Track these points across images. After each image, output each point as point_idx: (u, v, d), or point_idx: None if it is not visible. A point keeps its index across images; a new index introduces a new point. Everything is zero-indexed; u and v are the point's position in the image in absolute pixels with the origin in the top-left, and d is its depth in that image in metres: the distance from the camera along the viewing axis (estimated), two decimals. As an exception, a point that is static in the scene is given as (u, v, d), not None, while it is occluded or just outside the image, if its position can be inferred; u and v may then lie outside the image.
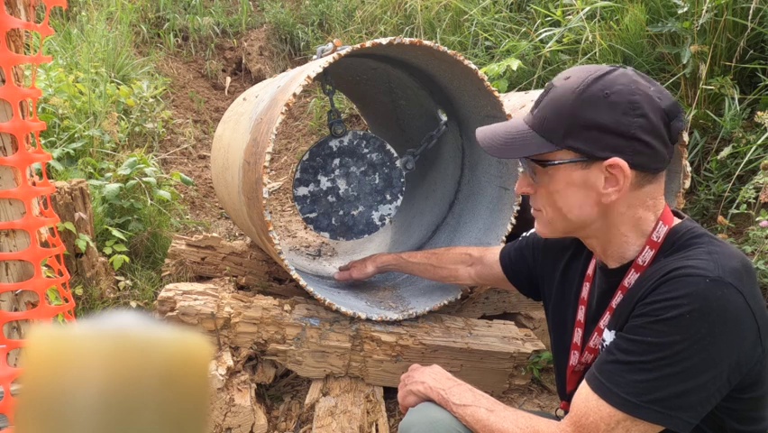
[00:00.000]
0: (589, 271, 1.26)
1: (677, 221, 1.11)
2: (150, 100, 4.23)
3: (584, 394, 1.05)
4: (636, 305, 1.03)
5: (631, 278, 1.10)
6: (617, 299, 1.12)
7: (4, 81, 1.22)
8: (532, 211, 1.19)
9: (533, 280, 1.51)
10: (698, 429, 1.02)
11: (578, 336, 1.24)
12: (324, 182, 2.18)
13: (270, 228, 1.75)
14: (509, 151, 1.12)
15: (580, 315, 1.25)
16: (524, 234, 1.59)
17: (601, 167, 1.03)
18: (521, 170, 2.01)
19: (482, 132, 1.19)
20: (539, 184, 1.12)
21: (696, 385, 0.95)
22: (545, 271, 1.43)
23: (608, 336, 1.12)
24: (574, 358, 1.24)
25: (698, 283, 0.95)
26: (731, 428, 1.04)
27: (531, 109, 1.14)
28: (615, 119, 1.00)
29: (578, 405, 1.06)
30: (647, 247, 1.09)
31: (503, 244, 2.00)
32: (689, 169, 2.16)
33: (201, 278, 2.39)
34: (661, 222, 1.09)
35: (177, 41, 5.83)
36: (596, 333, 1.18)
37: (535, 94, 2.47)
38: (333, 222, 2.22)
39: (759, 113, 2.34)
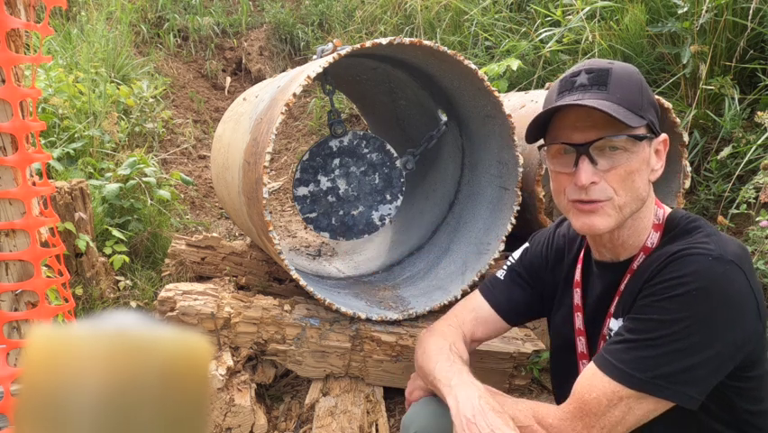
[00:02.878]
0: (578, 276, 1.26)
1: (667, 207, 1.17)
2: (150, 100, 4.23)
3: (589, 372, 1.07)
4: (643, 287, 1.06)
5: (640, 260, 1.13)
6: (625, 282, 1.14)
7: (4, 81, 1.22)
8: (588, 206, 1.07)
9: (533, 308, 1.43)
10: (709, 410, 1.04)
11: (582, 344, 1.25)
12: (324, 182, 2.18)
13: (270, 228, 1.75)
14: (625, 119, 1.01)
15: (579, 322, 1.25)
16: (496, 274, 1.45)
17: (655, 143, 1.08)
18: (521, 169, 2.02)
19: (569, 102, 1.04)
20: (612, 167, 1.05)
21: (701, 360, 0.98)
22: (545, 288, 1.39)
23: (615, 325, 1.14)
24: (584, 368, 1.24)
25: (702, 261, 0.99)
26: (740, 407, 1.06)
27: (584, 89, 1.05)
28: (654, 101, 1.09)
29: (581, 382, 1.07)
30: (652, 230, 1.13)
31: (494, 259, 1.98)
32: (689, 169, 2.16)
33: (201, 278, 2.39)
34: (656, 206, 1.15)
35: (177, 41, 5.83)
36: (605, 326, 1.18)
37: (536, 94, 2.47)
38: (333, 222, 2.22)
39: (759, 113, 2.34)
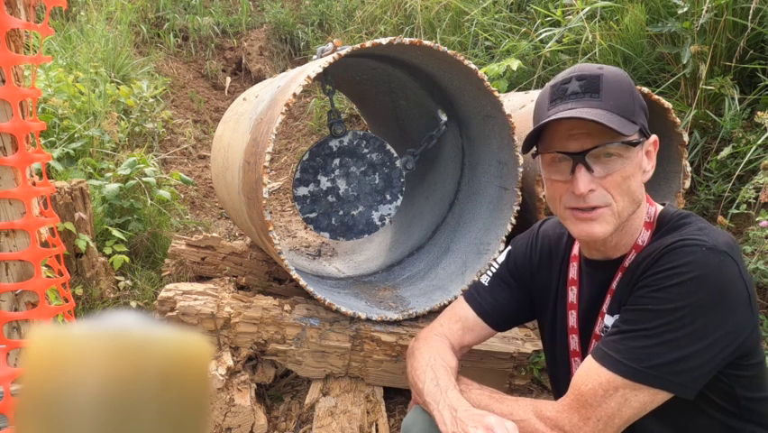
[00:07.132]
0: (573, 275, 1.26)
1: (658, 204, 1.17)
2: (150, 100, 4.23)
3: (586, 365, 1.08)
4: (639, 279, 1.06)
5: (631, 258, 1.14)
6: (617, 280, 1.15)
7: (4, 81, 1.22)
8: (587, 214, 1.08)
9: (521, 313, 1.43)
10: (709, 400, 1.05)
11: (574, 342, 1.25)
12: (324, 182, 2.18)
13: (270, 228, 1.75)
14: (619, 127, 1.01)
15: (572, 320, 1.25)
16: (477, 279, 1.44)
17: (646, 145, 1.09)
18: (521, 169, 2.02)
19: (565, 114, 1.04)
20: (608, 174, 1.06)
21: (695, 350, 0.98)
22: (534, 290, 1.39)
23: (610, 321, 1.14)
24: (576, 366, 1.24)
25: (696, 252, 1.00)
26: (742, 396, 1.06)
27: (577, 97, 1.05)
28: (644, 104, 1.09)
29: (578, 374, 1.08)
30: (643, 229, 1.14)
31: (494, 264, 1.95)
32: (689, 169, 2.16)
33: (201, 278, 2.39)
34: (647, 204, 1.15)
35: (177, 41, 5.82)
36: (597, 324, 1.19)
37: (536, 94, 2.46)
38: (333, 222, 2.22)
39: (759, 113, 2.34)
